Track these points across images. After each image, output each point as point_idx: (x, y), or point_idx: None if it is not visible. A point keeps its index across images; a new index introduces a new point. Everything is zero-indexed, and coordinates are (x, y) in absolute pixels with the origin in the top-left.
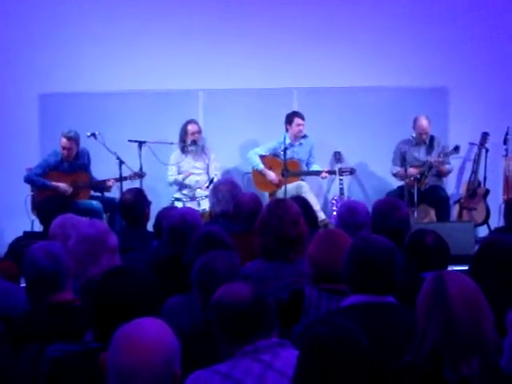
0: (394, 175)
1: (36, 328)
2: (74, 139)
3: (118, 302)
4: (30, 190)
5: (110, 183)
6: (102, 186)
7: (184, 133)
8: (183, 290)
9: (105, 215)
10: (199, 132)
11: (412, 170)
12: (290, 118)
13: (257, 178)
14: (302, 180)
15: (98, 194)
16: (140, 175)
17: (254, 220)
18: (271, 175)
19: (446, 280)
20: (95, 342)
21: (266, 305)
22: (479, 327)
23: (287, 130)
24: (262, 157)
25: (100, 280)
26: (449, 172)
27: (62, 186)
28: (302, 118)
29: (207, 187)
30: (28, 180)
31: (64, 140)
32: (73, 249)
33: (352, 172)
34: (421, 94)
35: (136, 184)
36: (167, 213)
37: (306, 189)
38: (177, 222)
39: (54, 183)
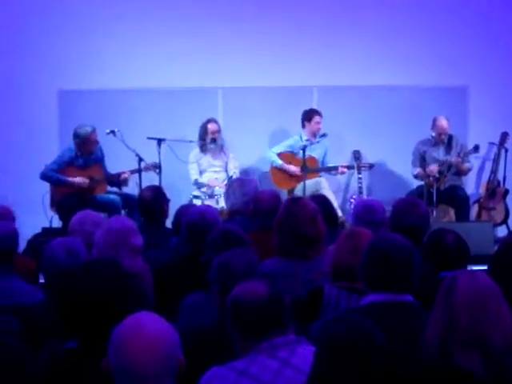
0: (415, 176)
1: (54, 324)
2: (95, 131)
3: (83, 298)
4: (48, 187)
5: (125, 175)
6: (117, 180)
7: (204, 131)
8: (202, 287)
9: (123, 211)
10: (219, 131)
11: (432, 167)
12: (308, 115)
13: (275, 176)
14: (321, 177)
15: (116, 189)
16: (156, 166)
17: (273, 218)
18: (292, 167)
19: (457, 279)
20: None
21: (282, 302)
22: (480, 327)
23: (304, 127)
24: (279, 154)
25: (66, 276)
26: (469, 170)
27: (78, 179)
28: (321, 116)
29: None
30: (44, 176)
31: (94, 135)
32: (97, 241)
33: (370, 167)
34: (440, 93)
35: (155, 181)
36: (186, 210)
37: (325, 185)
38: (196, 219)
39: (69, 179)
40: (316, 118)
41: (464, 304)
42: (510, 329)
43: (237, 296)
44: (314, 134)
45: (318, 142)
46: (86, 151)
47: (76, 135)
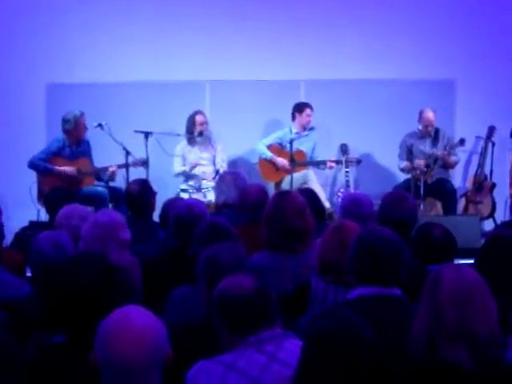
0: (402, 170)
1: (41, 317)
2: (84, 115)
3: (70, 292)
4: (36, 178)
5: (112, 169)
6: (104, 174)
7: (191, 123)
8: (190, 280)
9: (110, 204)
10: (206, 123)
11: (419, 161)
12: (300, 107)
13: (264, 168)
14: (308, 169)
15: (103, 184)
16: (144, 162)
17: (260, 211)
18: (281, 161)
19: (442, 273)
20: (56, 336)
21: (268, 296)
22: (466, 320)
23: (294, 119)
24: (268, 146)
25: (53, 269)
26: (455, 163)
27: (66, 168)
28: (312, 109)
29: (213, 178)
30: (31, 164)
31: (83, 119)
32: (84, 234)
33: (358, 162)
34: (427, 86)
35: (142, 175)
36: (173, 204)
37: (313, 178)
38: (183, 212)
39: (57, 168)
40: (307, 111)
41: (449, 298)
42: (496, 322)
43: (223, 290)
44: (304, 127)
45: (306, 135)
46: (76, 137)
47: (66, 120)
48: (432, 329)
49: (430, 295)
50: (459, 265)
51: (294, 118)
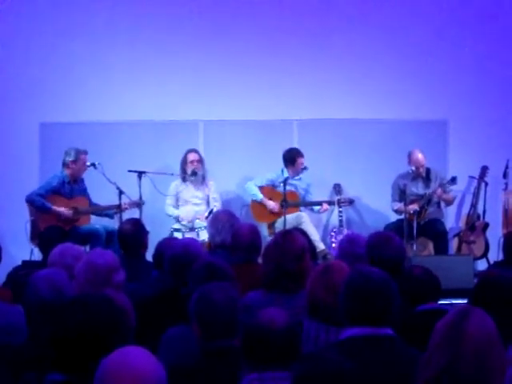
0: (395, 211)
1: (36, 358)
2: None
3: (73, 332)
4: (30, 215)
5: (125, 206)
6: (106, 213)
7: (184, 162)
8: (184, 320)
9: None
10: (199, 161)
11: (412, 206)
12: (292, 158)
13: (255, 210)
14: (301, 211)
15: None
16: (139, 204)
17: (253, 251)
18: (271, 204)
19: (468, 317)
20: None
21: (297, 334)
22: (484, 371)
23: (287, 167)
24: (260, 188)
25: (57, 310)
26: (453, 199)
27: (63, 210)
28: (303, 156)
29: (206, 218)
30: (29, 199)
31: (84, 156)
32: (78, 274)
33: (351, 202)
34: (420, 126)
35: (136, 214)
36: (169, 243)
37: (306, 219)
38: (179, 252)
39: (54, 207)
40: (300, 160)
41: (475, 345)
42: (502, 373)
43: (255, 323)
44: (298, 173)
45: (299, 178)
46: (75, 172)
47: (67, 153)
48: (444, 374)
49: (449, 338)
50: (482, 311)
51: (286, 166)
